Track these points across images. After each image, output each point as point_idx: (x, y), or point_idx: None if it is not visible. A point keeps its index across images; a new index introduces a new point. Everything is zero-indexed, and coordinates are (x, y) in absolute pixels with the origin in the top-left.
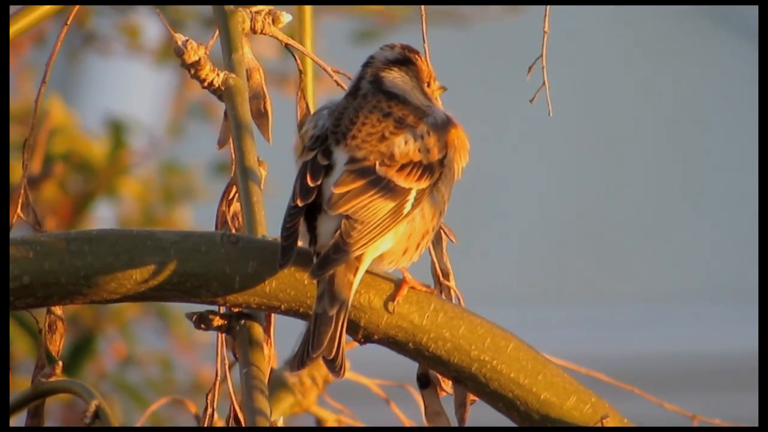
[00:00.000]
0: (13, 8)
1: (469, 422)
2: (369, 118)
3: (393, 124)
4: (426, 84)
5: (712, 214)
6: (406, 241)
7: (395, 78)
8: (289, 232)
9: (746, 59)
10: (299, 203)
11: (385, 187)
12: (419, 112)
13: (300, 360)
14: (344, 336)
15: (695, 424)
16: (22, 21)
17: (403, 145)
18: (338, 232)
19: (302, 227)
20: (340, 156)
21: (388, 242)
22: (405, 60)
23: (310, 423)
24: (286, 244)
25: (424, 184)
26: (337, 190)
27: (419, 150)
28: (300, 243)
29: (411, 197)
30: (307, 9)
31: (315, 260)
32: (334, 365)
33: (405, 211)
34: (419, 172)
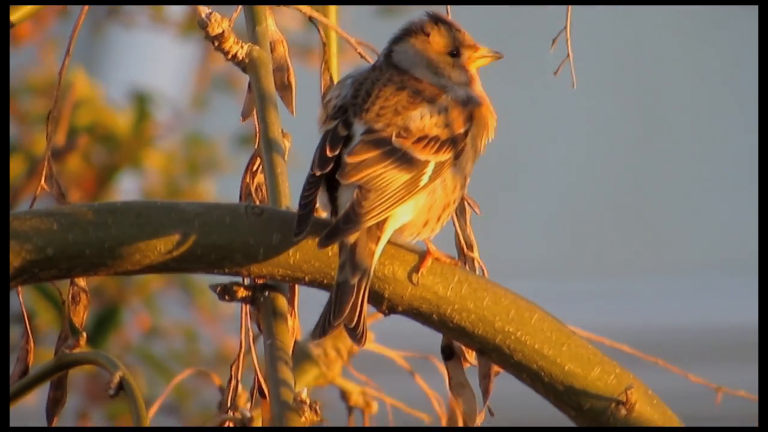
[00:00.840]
0: None
1: (492, 395)
2: (383, 91)
3: (407, 98)
4: (452, 53)
5: (742, 187)
6: (427, 213)
7: (405, 50)
8: (306, 201)
9: None
10: (317, 173)
11: (401, 158)
12: (438, 84)
13: (322, 328)
14: (365, 305)
15: (720, 396)
16: None
17: (419, 120)
18: (350, 201)
19: (324, 198)
20: (359, 127)
21: (407, 213)
22: (418, 30)
23: (335, 394)
24: (302, 214)
25: (444, 156)
26: (351, 160)
27: (437, 125)
28: (322, 213)
29: (428, 169)
30: None
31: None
32: (356, 333)
33: (422, 183)
34: (438, 145)
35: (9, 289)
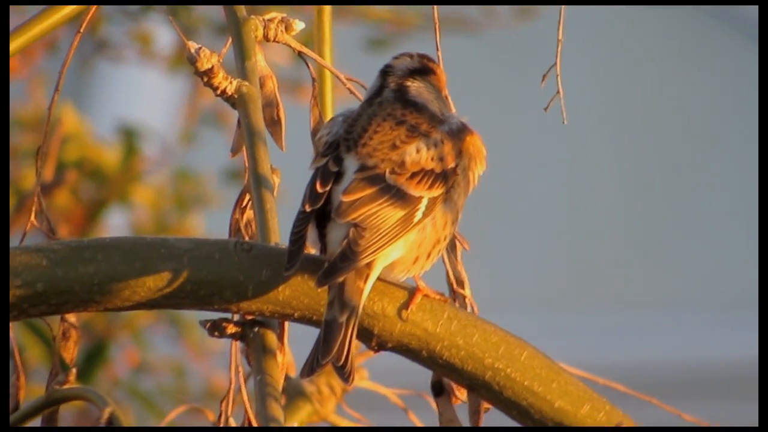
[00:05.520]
0: (24, 14)
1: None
2: (381, 126)
3: (405, 133)
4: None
5: (736, 221)
6: (417, 250)
7: (419, 87)
8: (296, 237)
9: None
10: (307, 209)
11: (396, 195)
12: (435, 120)
13: (310, 367)
14: (354, 343)
15: None
16: (34, 29)
17: (415, 153)
18: (346, 240)
19: (313, 235)
20: (351, 163)
21: (398, 250)
22: (426, 69)
23: None
24: (292, 249)
25: (437, 192)
26: (347, 198)
27: (432, 158)
28: (312, 250)
29: (422, 205)
30: (326, 15)
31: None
32: (344, 372)
33: (415, 220)
34: (431, 180)
35: (9, 321)
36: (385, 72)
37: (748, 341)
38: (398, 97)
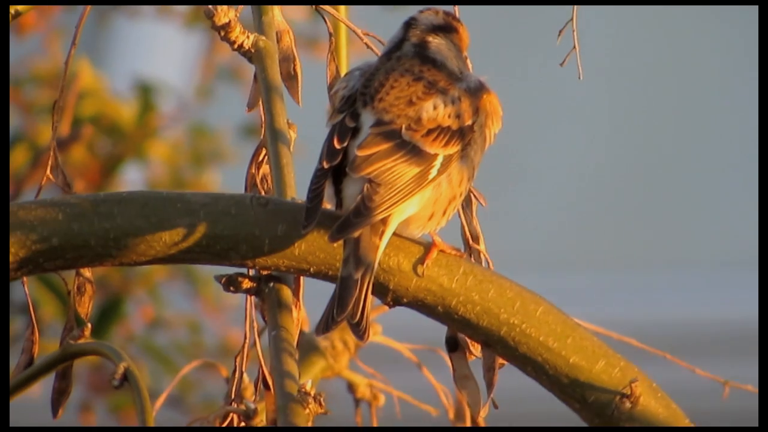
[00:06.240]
0: None
1: (497, 387)
2: (399, 81)
3: (422, 89)
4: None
5: (750, 182)
6: (432, 206)
7: (440, 44)
8: (314, 194)
9: None
10: (325, 165)
11: (411, 152)
12: (453, 77)
13: (325, 324)
14: (369, 300)
15: (728, 389)
16: None
17: (432, 110)
18: (360, 195)
19: (329, 191)
20: (367, 118)
21: (413, 207)
22: (449, 27)
23: (342, 387)
24: (310, 206)
25: (452, 149)
26: (361, 153)
27: (449, 115)
28: (328, 206)
29: (437, 163)
30: None
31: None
32: (359, 329)
33: (430, 177)
34: (447, 138)
35: (9, 280)
36: (409, 24)
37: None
38: (418, 52)
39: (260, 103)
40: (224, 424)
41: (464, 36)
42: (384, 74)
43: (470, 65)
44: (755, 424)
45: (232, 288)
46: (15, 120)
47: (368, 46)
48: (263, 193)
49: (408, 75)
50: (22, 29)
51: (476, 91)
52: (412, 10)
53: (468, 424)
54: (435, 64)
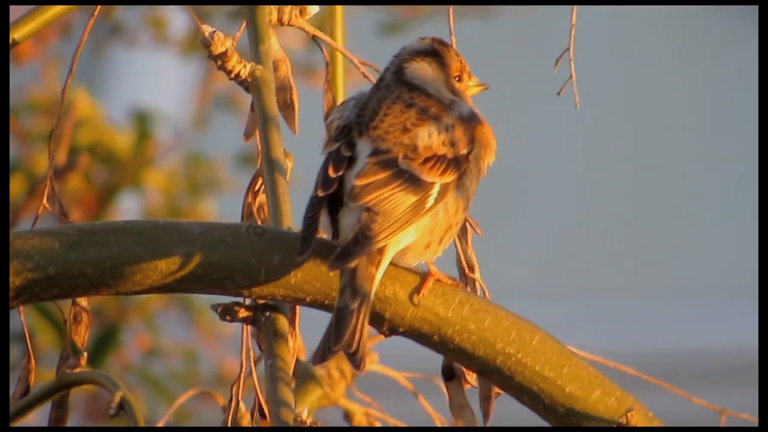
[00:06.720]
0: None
1: (493, 416)
2: (392, 109)
3: (416, 115)
4: (456, 78)
5: (747, 208)
6: (429, 235)
7: (417, 69)
8: (309, 222)
9: None
10: (320, 194)
11: (408, 180)
12: (442, 103)
13: (321, 353)
14: (366, 329)
15: (724, 419)
16: (48, 12)
17: (427, 138)
18: (359, 224)
19: (325, 220)
20: (363, 147)
21: (410, 236)
22: (432, 52)
23: (338, 416)
24: (305, 234)
25: (449, 178)
26: (359, 182)
27: (444, 143)
28: (323, 235)
29: (434, 191)
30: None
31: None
32: (355, 358)
33: (428, 205)
34: (443, 166)
35: (9, 308)
36: (396, 54)
37: (754, 328)
38: (396, 79)
39: (257, 132)
40: None
41: (452, 61)
42: (376, 102)
43: (470, 96)
44: None
45: (228, 317)
46: (11, 148)
47: (365, 75)
48: (260, 222)
49: (400, 102)
50: (19, 58)
51: (469, 120)
52: (409, 35)
53: None
54: (420, 91)
